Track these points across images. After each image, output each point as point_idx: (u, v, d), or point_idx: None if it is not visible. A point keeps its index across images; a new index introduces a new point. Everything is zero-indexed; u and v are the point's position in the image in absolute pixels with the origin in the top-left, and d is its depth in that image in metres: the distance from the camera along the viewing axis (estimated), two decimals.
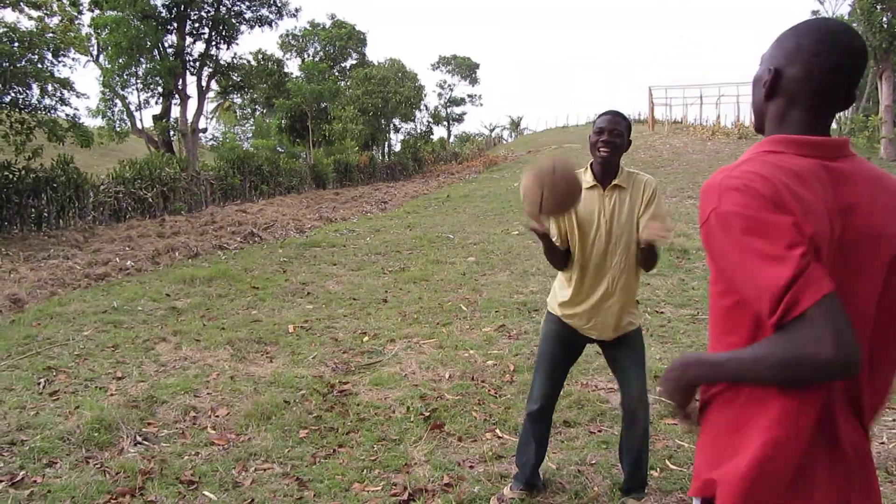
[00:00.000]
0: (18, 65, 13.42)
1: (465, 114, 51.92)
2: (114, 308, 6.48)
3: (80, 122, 15.67)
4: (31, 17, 15.27)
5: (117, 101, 20.73)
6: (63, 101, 15.04)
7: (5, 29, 13.47)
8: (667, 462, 3.16)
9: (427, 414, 3.80)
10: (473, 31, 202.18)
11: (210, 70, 23.25)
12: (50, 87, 14.64)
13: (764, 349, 1.02)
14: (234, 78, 24.44)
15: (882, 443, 3.30)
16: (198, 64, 22.79)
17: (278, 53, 33.82)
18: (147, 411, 3.84)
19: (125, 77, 20.54)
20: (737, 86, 34.96)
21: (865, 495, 1.11)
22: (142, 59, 20.62)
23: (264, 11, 23.98)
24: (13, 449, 3.30)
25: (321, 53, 37.12)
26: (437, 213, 15.11)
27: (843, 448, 1.08)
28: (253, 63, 25.81)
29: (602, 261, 2.49)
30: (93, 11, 19.76)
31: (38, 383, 4.32)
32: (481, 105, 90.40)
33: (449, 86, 50.37)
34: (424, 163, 33.96)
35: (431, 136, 43.30)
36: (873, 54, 19.05)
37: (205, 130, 31.25)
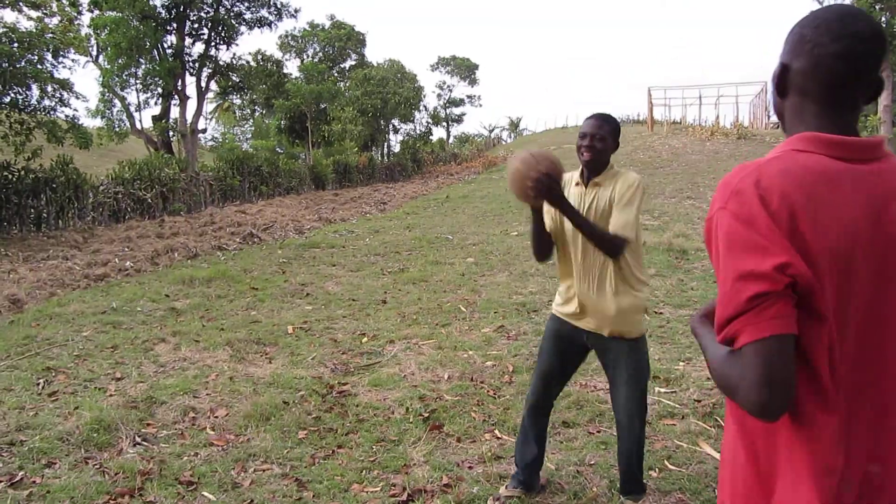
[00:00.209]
0: (18, 65, 13.43)
1: (464, 115, 52.00)
2: (113, 309, 6.48)
3: (80, 123, 15.68)
4: (30, 18, 15.30)
5: (117, 101, 20.77)
6: (62, 102, 15.06)
7: (5, 29, 13.48)
8: (665, 462, 3.16)
9: (426, 415, 3.80)
10: (473, 32, 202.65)
11: (209, 71, 23.28)
12: (49, 88, 14.65)
13: (716, 357, 1.05)
14: (234, 79, 24.48)
15: None
16: (197, 64, 22.81)
17: (277, 54, 33.96)
18: (146, 412, 3.84)
19: (124, 77, 20.58)
20: (736, 86, 35.14)
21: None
22: (141, 60, 20.65)
23: (264, 12, 24.04)
24: (12, 449, 3.30)
25: (320, 54, 37.13)
26: (436, 213, 15.12)
27: None
28: (252, 64, 25.86)
29: (585, 251, 2.58)
30: (92, 12, 19.77)
31: (38, 384, 4.33)
32: (480, 106, 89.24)
33: (448, 86, 50.44)
34: (423, 164, 34.03)
35: (430, 137, 43.35)
36: None
37: (204, 131, 31.32)
